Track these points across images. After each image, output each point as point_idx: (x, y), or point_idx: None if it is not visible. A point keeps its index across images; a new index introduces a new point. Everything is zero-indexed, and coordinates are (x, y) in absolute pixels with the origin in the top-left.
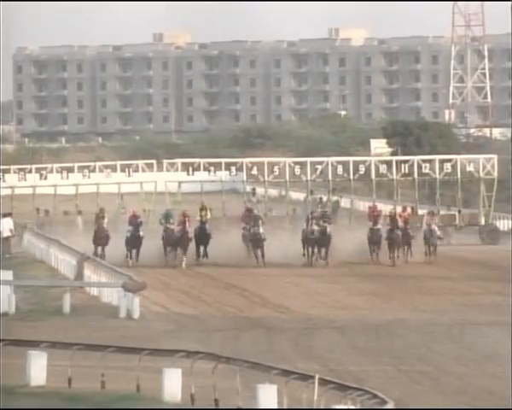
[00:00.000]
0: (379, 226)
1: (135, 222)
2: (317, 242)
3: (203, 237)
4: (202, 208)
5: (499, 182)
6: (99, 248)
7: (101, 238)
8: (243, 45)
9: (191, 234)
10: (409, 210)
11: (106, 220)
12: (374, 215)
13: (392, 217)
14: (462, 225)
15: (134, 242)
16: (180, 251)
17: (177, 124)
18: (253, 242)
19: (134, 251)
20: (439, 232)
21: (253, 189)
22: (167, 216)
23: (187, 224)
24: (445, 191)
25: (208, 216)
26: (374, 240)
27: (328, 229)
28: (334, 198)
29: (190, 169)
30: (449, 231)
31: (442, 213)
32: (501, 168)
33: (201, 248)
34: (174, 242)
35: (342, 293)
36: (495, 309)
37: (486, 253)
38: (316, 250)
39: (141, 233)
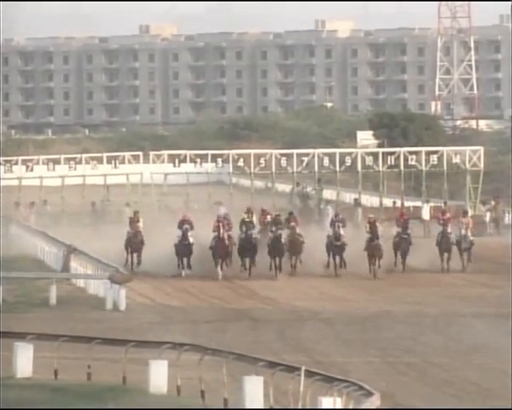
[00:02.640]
0: (409, 232)
1: (184, 227)
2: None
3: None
4: (248, 211)
5: (485, 174)
6: (134, 255)
7: (135, 243)
8: (229, 37)
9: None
10: (448, 215)
11: (141, 224)
12: (404, 219)
13: (372, 223)
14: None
15: (184, 249)
16: (221, 261)
17: (163, 115)
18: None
19: (185, 260)
20: (471, 237)
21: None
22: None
23: (221, 230)
24: (431, 183)
25: (254, 220)
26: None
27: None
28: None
29: (177, 161)
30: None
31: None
32: (487, 160)
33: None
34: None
35: (328, 285)
36: (480, 301)
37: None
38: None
39: (191, 240)
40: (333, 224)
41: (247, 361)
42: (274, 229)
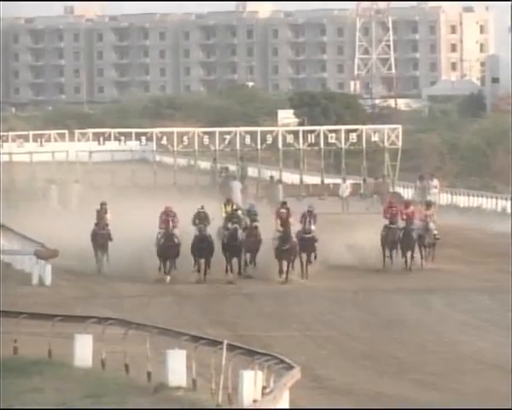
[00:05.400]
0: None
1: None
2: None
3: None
4: (227, 203)
5: (403, 151)
6: (98, 253)
7: (102, 236)
8: (153, 17)
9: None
10: (412, 208)
11: (109, 217)
12: (392, 213)
13: (284, 221)
14: (367, 193)
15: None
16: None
17: (88, 94)
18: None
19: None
20: (435, 231)
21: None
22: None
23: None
24: (351, 161)
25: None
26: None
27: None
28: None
29: (101, 139)
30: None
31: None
32: (405, 138)
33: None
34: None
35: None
36: (400, 276)
37: None
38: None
39: (176, 240)
40: (304, 218)
41: (171, 335)
42: (230, 224)
